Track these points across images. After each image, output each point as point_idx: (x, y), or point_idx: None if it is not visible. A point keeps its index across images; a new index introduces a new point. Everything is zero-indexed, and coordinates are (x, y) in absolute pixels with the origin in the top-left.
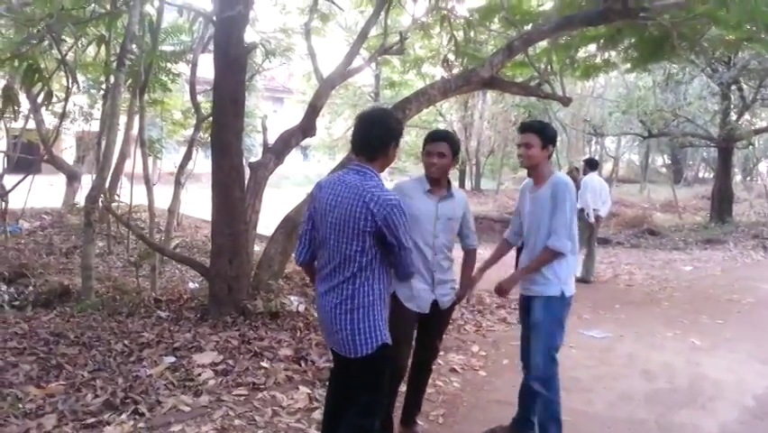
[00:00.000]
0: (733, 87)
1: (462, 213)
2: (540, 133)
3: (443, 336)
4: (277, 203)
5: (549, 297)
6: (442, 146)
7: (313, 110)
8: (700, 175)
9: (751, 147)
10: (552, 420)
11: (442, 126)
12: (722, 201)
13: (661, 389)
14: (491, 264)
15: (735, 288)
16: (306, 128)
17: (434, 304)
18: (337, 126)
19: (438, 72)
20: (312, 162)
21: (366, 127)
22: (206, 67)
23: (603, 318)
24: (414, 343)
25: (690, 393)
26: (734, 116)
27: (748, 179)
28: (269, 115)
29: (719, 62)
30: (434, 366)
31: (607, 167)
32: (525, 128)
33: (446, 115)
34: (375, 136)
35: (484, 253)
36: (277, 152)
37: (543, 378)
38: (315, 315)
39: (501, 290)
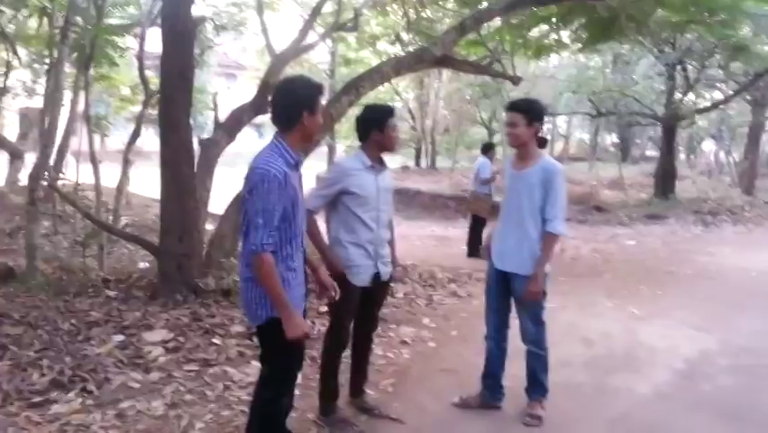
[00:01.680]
0: (678, 68)
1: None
2: (525, 112)
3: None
4: (230, 181)
5: (527, 275)
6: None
7: (265, 87)
8: (647, 153)
9: (695, 126)
10: (543, 371)
11: (399, 105)
12: (665, 178)
13: (598, 355)
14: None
15: (674, 260)
16: (259, 105)
17: (376, 277)
18: None
19: (394, 50)
20: (267, 140)
21: (276, 98)
22: (155, 40)
23: (548, 291)
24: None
25: (625, 358)
26: (678, 96)
27: (692, 156)
28: (222, 91)
29: (665, 43)
30: (384, 339)
31: (558, 146)
32: (510, 107)
33: (402, 93)
34: (284, 106)
35: (437, 230)
36: (228, 129)
37: (536, 340)
38: None
39: (535, 294)
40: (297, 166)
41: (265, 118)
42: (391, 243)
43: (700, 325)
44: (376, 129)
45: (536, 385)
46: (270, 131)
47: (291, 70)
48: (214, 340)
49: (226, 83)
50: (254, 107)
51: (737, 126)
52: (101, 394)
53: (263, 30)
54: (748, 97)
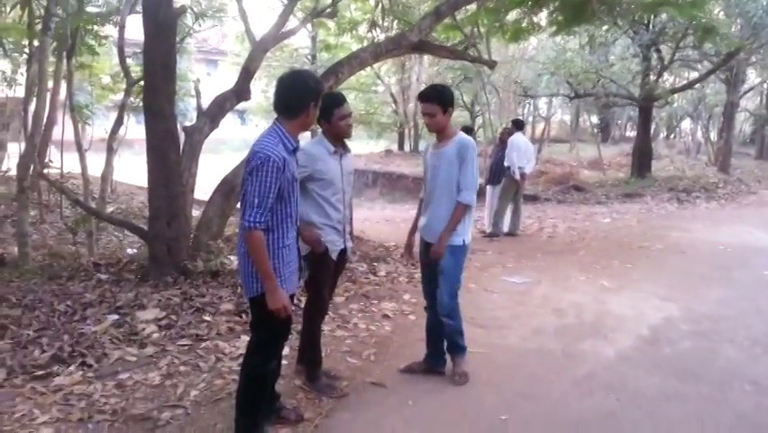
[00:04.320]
0: (652, 49)
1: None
2: (439, 101)
3: None
4: (215, 168)
5: (454, 246)
6: (348, 108)
7: (246, 73)
8: (627, 134)
9: (674, 105)
10: (459, 336)
11: (381, 89)
12: (642, 158)
13: (569, 324)
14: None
15: (647, 236)
16: (241, 92)
17: (342, 251)
18: (274, 90)
19: (374, 36)
20: (250, 127)
21: (287, 87)
22: (135, 28)
23: (525, 266)
24: None
25: (594, 327)
26: (653, 77)
27: (672, 136)
28: (202, 78)
29: (640, 25)
30: (367, 313)
31: (539, 127)
32: (424, 99)
33: (384, 77)
34: (296, 96)
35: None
36: (211, 116)
37: (449, 313)
38: None
39: (438, 253)
40: (294, 152)
41: (248, 104)
42: (350, 220)
43: (667, 295)
44: (323, 119)
45: (456, 348)
46: (253, 117)
47: (272, 56)
48: (205, 317)
49: (207, 69)
50: (237, 94)
51: (714, 106)
52: (100, 367)
53: (243, 16)
54: (723, 77)
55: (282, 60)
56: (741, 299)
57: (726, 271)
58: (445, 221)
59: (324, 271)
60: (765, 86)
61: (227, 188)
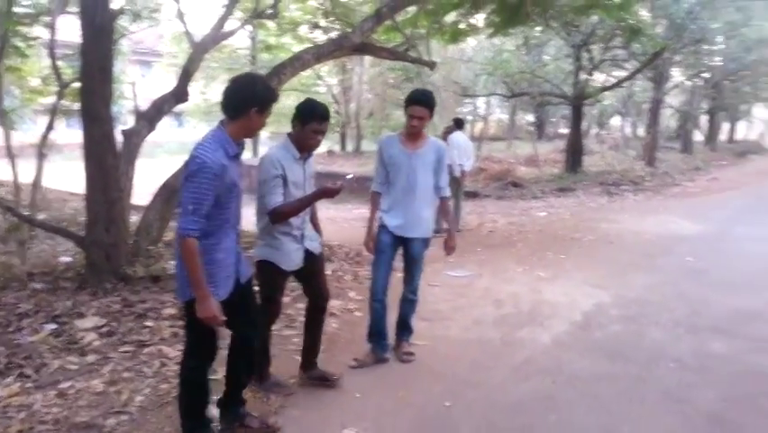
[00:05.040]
0: (583, 50)
1: None
2: (429, 106)
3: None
4: (150, 172)
5: (426, 238)
6: (326, 126)
7: (185, 75)
8: (561, 131)
9: (604, 103)
10: (413, 314)
11: (322, 90)
12: (574, 153)
13: (508, 313)
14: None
15: (579, 228)
16: (179, 94)
17: (308, 254)
18: (213, 91)
19: (315, 36)
20: (187, 129)
21: (232, 88)
22: (66, 29)
23: (467, 261)
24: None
25: (531, 315)
26: (584, 76)
27: (602, 132)
28: (137, 79)
29: (571, 27)
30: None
31: (478, 126)
32: (418, 102)
33: (326, 78)
34: (238, 96)
35: (365, 212)
36: (149, 118)
37: (416, 289)
38: None
39: (453, 248)
40: (236, 157)
41: (185, 106)
42: (314, 217)
43: (597, 282)
44: (297, 121)
45: (406, 328)
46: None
47: (210, 57)
48: (147, 323)
49: (141, 71)
50: (175, 96)
51: (641, 103)
52: (39, 377)
53: (180, 17)
54: (649, 75)
55: (221, 62)
56: (665, 285)
57: (652, 258)
58: (430, 219)
59: (267, 280)
60: (689, 83)
61: (168, 192)
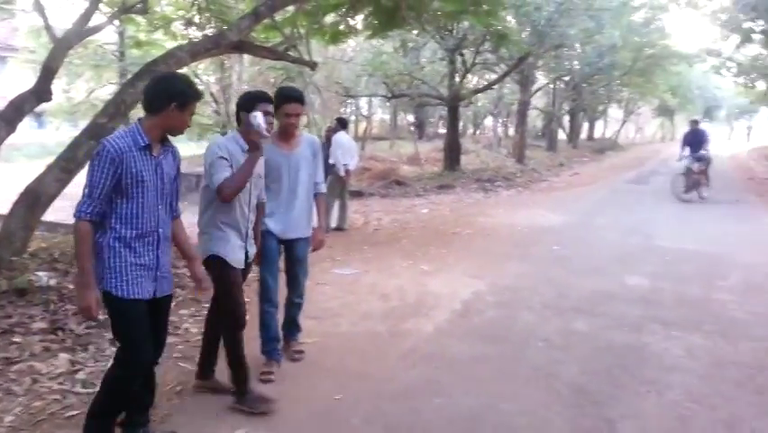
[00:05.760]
0: (456, 53)
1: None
2: (303, 102)
3: None
4: (8, 178)
5: (308, 237)
6: (270, 106)
7: (47, 72)
8: (440, 131)
9: (478, 105)
10: (301, 313)
11: (199, 89)
12: (452, 152)
13: (394, 306)
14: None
15: (458, 223)
16: (41, 92)
17: (246, 258)
18: (77, 89)
19: (190, 32)
20: (49, 130)
21: (152, 84)
22: None
23: (353, 258)
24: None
25: (415, 306)
26: (458, 79)
27: (477, 132)
28: None
29: (445, 31)
30: (198, 318)
31: (362, 126)
32: (292, 99)
33: (203, 76)
34: (158, 91)
35: None
36: (8, 119)
37: (303, 293)
38: (70, 287)
39: (323, 242)
40: (148, 149)
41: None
42: (257, 225)
43: (475, 273)
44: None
45: (295, 327)
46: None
47: (74, 53)
48: (15, 339)
49: None
50: (36, 95)
51: (511, 104)
52: None
53: (40, 10)
54: (516, 78)
55: (86, 58)
56: (535, 272)
57: (524, 248)
58: (304, 219)
59: (225, 277)
60: (552, 86)
61: (31, 199)
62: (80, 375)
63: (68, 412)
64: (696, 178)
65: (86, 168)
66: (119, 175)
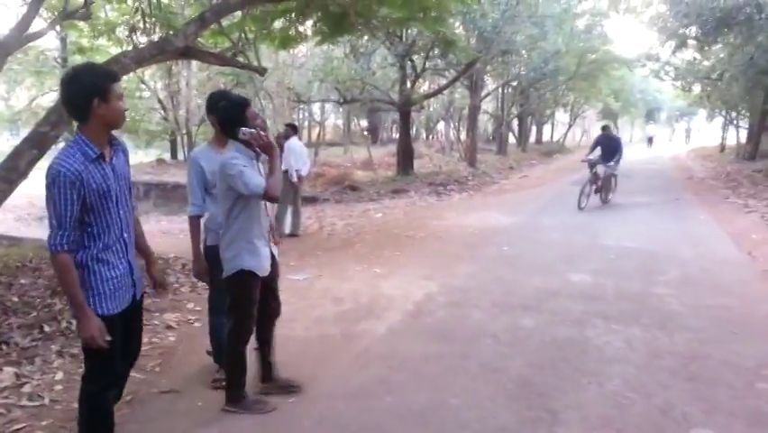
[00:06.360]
0: (407, 59)
1: None
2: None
3: None
4: None
5: None
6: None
7: None
8: (393, 136)
9: (430, 109)
10: None
11: (146, 95)
12: (405, 157)
13: (347, 309)
14: None
15: (411, 226)
16: None
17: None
18: (18, 97)
19: (135, 38)
20: None
21: (63, 90)
22: None
23: (307, 264)
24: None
25: (369, 309)
26: (409, 84)
27: (430, 136)
28: None
29: (395, 37)
30: (148, 326)
31: (315, 131)
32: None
33: (149, 82)
34: (71, 97)
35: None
36: None
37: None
38: (14, 299)
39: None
40: (101, 158)
41: None
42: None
43: (427, 274)
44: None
45: None
46: None
47: (14, 59)
48: None
49: None
50: None
51: (461, 109)
52: None
53: None
54: (466, 84)
55: (26, 64)
56: (485, 272)
57: (474, 249)
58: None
59: (251, 294)
60: (500, 91)
61: None
62: (26, 388)
63: (14, 426)
64: (600, 184)
65: (47, 198)
66: (83, 197)
